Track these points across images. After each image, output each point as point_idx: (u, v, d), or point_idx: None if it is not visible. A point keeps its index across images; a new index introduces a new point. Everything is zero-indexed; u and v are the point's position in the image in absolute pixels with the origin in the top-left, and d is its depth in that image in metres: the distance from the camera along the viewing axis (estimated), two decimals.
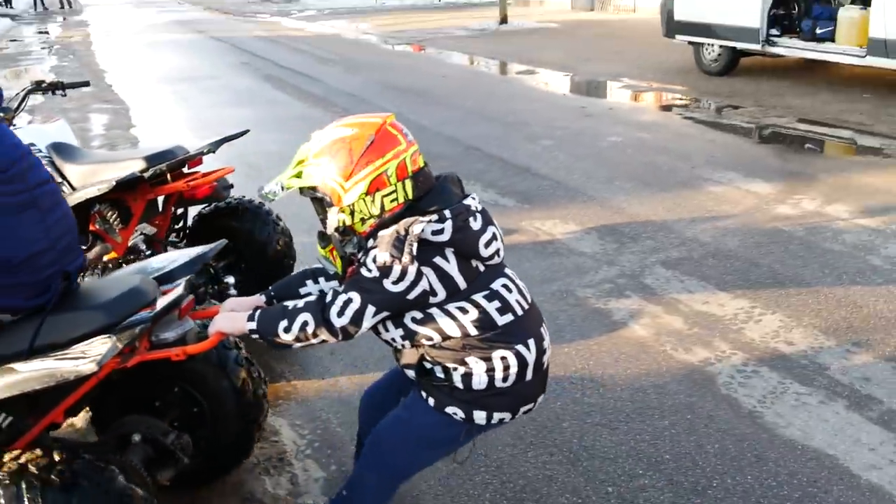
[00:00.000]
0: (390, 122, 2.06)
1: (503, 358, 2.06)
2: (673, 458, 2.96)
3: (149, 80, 12.69)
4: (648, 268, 4.65)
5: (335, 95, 10.80)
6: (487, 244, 2.06)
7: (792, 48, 10.03)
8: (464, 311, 2.02)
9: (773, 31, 10.12)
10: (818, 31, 9.68)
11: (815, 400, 3.28)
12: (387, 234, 1.95)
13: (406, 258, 1.91)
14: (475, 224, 2.05)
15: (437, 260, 1.99)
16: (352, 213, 2.02)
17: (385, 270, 1.94)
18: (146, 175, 3.71)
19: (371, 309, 1.96)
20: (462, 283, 2.02)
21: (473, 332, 2.04)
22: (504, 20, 19.41)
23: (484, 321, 2.04)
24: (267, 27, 21.94)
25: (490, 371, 2.06)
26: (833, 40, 9.51)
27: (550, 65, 12.93)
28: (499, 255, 2.12)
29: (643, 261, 4.76)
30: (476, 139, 7.92)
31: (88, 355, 1.89)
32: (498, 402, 2.10)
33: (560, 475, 2.89)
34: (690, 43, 11.48)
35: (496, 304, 2.06)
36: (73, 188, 3.83)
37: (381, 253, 1.93)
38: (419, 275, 1.96)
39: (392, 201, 2.01)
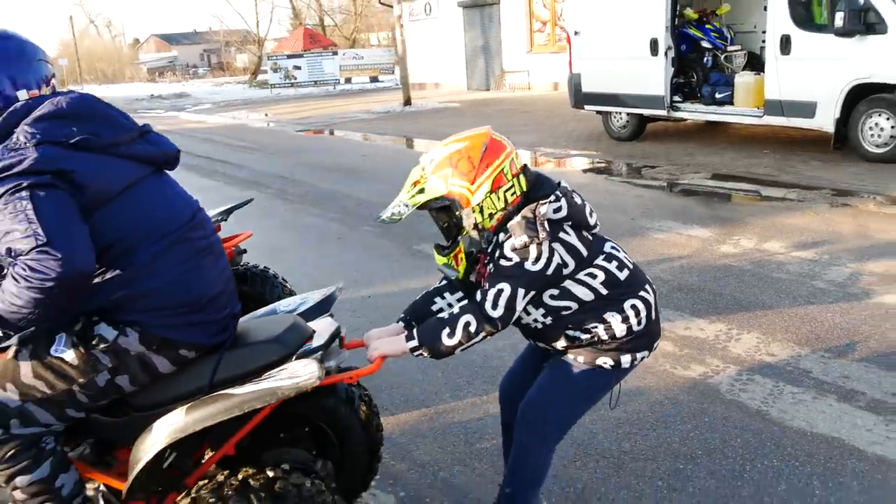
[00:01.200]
0: (491, 132, 2.42)
1: (633, 306, 2.44)
2: (705, 453, 3.31)
3: None
4: None
5: (264, 178, 11.03)
6: (591, 214, 2.46)
7: (695, 112, 11.02)
8: (592, 276, 2.39)
9: (677, 98, 11.10)
10: (717, 95, 10.70)
11: (809, 397, 3.73)
12: (516, 223, 2.27)
13: (542, 235, 2.24)
14: (578, 199, 2.44)
15: (562, 235, 2.34)
16: (481, 211, 2.33)
17: (523, 254, 2.26)
18: None
19: (521, 292, 2.28)
20: (584, 252, 2.38)
21: (604, 291, 2.40)
22: (408, 102, 20.19)
23: (610, 280, 2.41)
24: (166, 122, 21.89)
25: (626, 320, 2.42)
26: (732, 103, 10.53)
27: None
28: (598, 224, 2.50)
29: None
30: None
31: (300, 374, 2.07)
32: (638, 343, 2.47)
33: (612, 476, 3.20)
34: (598, 112, 12.38)
35: (614, 263, 2.44)
36: None
37: (517, 239, 2.25)
38: (551, 251, 2.29)
39: (512, 195, 2.35)
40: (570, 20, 12.35)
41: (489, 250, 2.38)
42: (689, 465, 3.25)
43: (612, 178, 9.56)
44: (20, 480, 2.12)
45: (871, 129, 8.92)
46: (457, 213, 2.35)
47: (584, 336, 2.44)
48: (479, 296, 2.32)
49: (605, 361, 2.47)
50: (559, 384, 2.52)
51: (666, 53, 10.79)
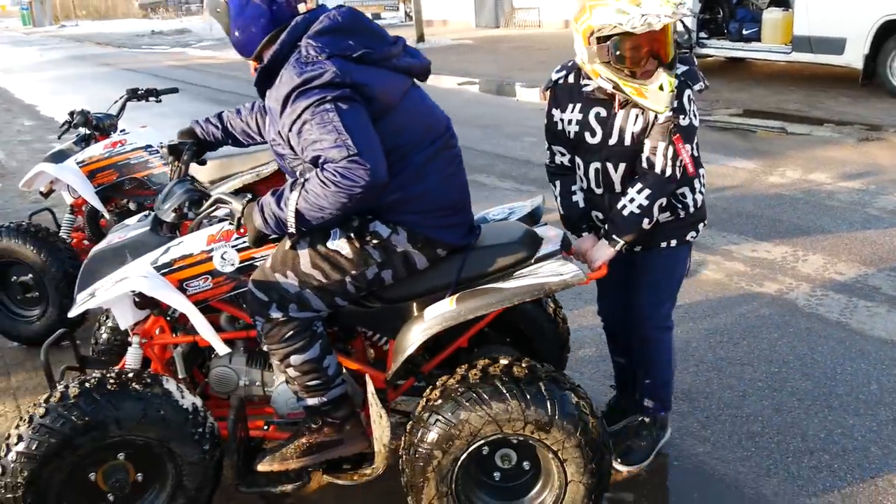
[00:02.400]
0: None
1: (698, 179, 2.71)
2: (796, 358, 3.62)
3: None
4: None
5: None
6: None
7: (722, 49, 11.16)
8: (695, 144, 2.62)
9: (703, 34, 11.21)
10: (745, 31, 10.82)
11: (883, 310, 4.03)
12: (687, 71, 2.50)
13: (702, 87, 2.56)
14: None
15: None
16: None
17: (690, 108, 2.51)
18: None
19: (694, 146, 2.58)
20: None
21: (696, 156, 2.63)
22: (421, 38, 20.11)
23: (697, 154, 2.66)
24: (175, 58, 21.72)
25: (699, 191, 2.72)
26: (759, 40, 10.66)
27: (487, 75, 13.69)
28: None
29: None
30: (462, 141, 8.49)
31: (563, 272, 2.30)
32: (703, 213, 2.79)
33: (714, 379, 3.50)
34: None
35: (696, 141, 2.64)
36: (202, 184, 4.18)
37: (691, 89, 2.51)
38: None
39: None
40: None
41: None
42: (783, 368, 3.55)
43: None
44: (294, 359, 2.38)
45: None
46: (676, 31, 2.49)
47: (678, 206, 2.68)
48: (669, 168, 2.51)
49: (692, 235, 2.76)
50: (663, 275, 2.81)
51: None
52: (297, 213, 2.13)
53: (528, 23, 22.63)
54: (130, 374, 2.42)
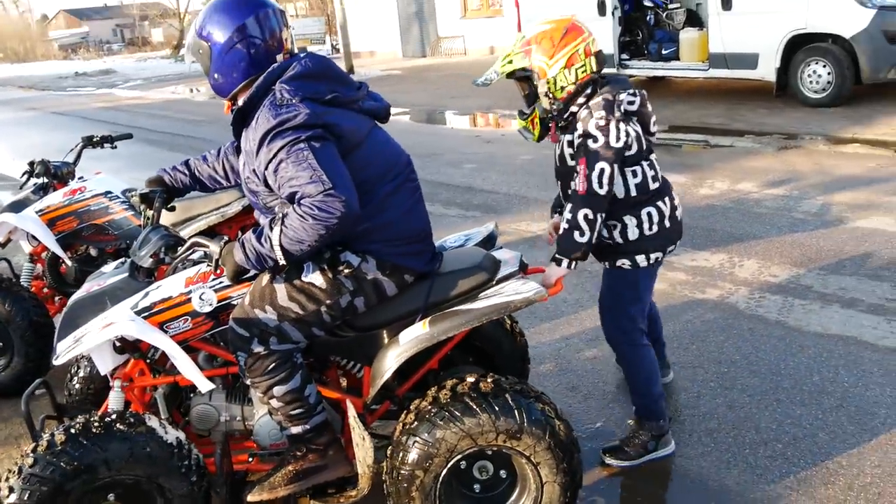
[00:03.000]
0: (575, 18, 2.90)
1: (648, 213, 2.92)
2: (742, 357, 3.85)
3: (31, 156, 12.34)
4: None
5: None
6: (654, 123, 2.98)
7: (643, 68, 11.60)
8: (634, 174, 2.87)
9: (624, 56, 11.65)
10: (664, 51, 11.29)
11: (817, 307, 4.30)
12: (596, 102, 2.78)
13: (618, 115, 2.75)
14: (650, 106, 2.95)
15: (631, 123, 2.82)
16: (554, 83, 2.83)
17: (605, 131, 2.73)
18: (243, 205, 4.19)
19: (616, 167, 2.77)
20: (644, 146, 2.88)
21: (633, 193, 2.87)
22: (351, 70, 20.25)
23: (643, 185, 2.89)
24: (104, 99, 21.36)
25: (639, 225, 2.92)
26: (678, 58, 11.13)
27: (419, 105, 13.91)
28: (656, 135, 3.01)
29: None
30: None
31: (523, 291, 2.44)
32: (652, 244, 2.95)
33: (667, 382, 3.69)
34: None
35: (652, 172, 2.92)
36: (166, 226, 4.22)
37: (596, 114, 2.75)
38: (626, 132, 2.77)
39: (583, 72, 2.82)
40: None
41: (562, 124, 2.90)
42: (731, 368, 3.77)
43: None
44: (277, 390, 2.46)
45: (809, 76, 9.63)
46: (535, 83, 2.85)
47: (605, 234, 2.93)
48: (580, 185, 2.76)
49: (623, 262, 2.97)
50: (610, 293, 3.10)
51: (613, 13, 11.30)
52: (280, 247, 2.24)
53: (453, 51, 22.99)
54: (114, 416, 2.47)
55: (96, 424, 2.42)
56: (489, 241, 2.95)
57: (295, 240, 2.22)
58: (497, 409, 2.38)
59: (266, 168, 2.29)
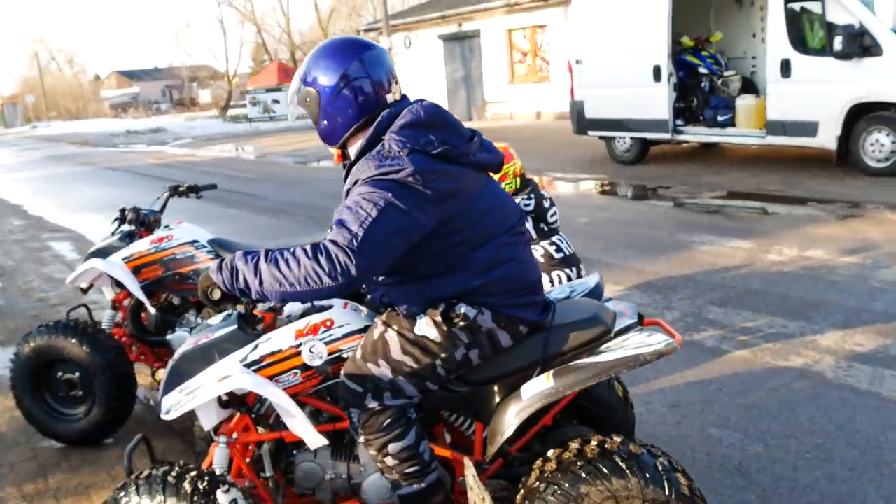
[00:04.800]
0: (509, 147, 4.12)
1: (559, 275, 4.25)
2: (837, 428, 3.72)
3: (85, 209, 12.65)
4: (702, 307, 5.51)
5: (287, 206, 11.27)
6: (553, 214, 4.46)
7: (698, 134, 11.62)
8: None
9: (679, 122, 11.69)
10: (719, 118, 11.31)
11: None
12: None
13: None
14: (546, 202, 4.44)
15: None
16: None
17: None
18: None
19: None
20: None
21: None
22: None
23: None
24: (155, 156, 21.94)
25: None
26: (734, 125, 11.14)
27: None
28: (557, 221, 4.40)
29: (694, 303, 5.61)
30: None
31: (652, 343, 2.35)
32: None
33: (763, 453, 3.58)
34: (601, 137, 12.91)
35: (554, 247, 4.24)
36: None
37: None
38: None
39: (510, 188, 4.30)
40: (571, 50, 12.91)
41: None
42: (827, 439, 3.65)
43: (629, 198, 10.06)
44: (393, 447, 2.41)
45: (871, 144, 9.57)
46: None
47: None
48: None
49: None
50: None
51: (668, 79, 11.39)
52: (259, 271, 2.18)
53: (500, 115, 23.29)
54: (227, 477, 2.44)
55: (207, 482, 2.37)
56: (596, 293, 2.91)
57: (278, 275, 2.15)
58: (648, 476, 2.26)
59: (350, 188, 2.28)
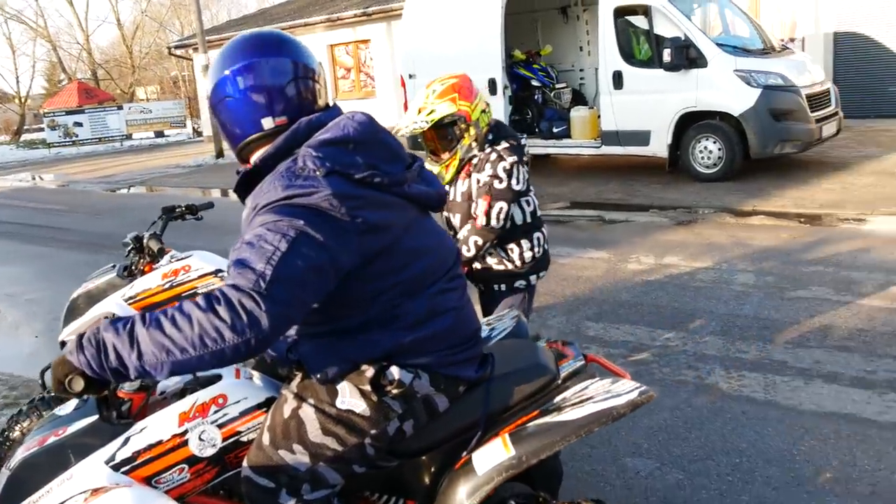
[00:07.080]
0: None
1: (537, 237, 3.41)
2: (749, 445, 3.58)
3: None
4: (579, 323, 5.33)
5: (102, 239, 10.11)
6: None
7: (535, 146, 11.66)
8: (528, 203, 3.33)
9: None
10: (555, 129, 11.45)
11: (801, 383, 4.14)
12: (505, 148, 3.17)
13: (524, 158, 3.23)
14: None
15: (521, 165, 3.24)
16: (477, 124, 3.18)
17: (510, 173, 3.15)
18: None
19: (510, 205, 3.20)
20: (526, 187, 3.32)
21: (528, 220, 3.34)
22: (220, 154, 19.65)
23: (533, 211, 3.37)
24: None
25: (531, 248, 3.37)
26: (569, 136, 11.30)
27: None
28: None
29: (570, 319, 5.42)
30: None
31: (621, 392, 2.00)
32: (536, 266, 3.46)
33: (678, 477, 3.37)
34: None
35: (531, 208, 3.36)
36: None
37: (507, 161, 3.15)
38: (522, 174, 3.23)
39: (488, 116, 3.25)
40: (403, 64, 12.64)
41: (475, 163, 3.23)
42: (743, 458, 3.49)
43: None
44: None
45: (700, 152, 9.96)
46: (460, 126, 3.16)
47: (505, 258, 3.31)
48: (481, 220, 3.18)
49: (521, 283, 3.39)
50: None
51: (503, 92, 11.38)
52: (137, 340, 1.62)
53: None
54: None
55: None
56: (519, 334, 2.55)
57: (166, 340, 1.61)
58: None
59: (248, 223, 1.78)
